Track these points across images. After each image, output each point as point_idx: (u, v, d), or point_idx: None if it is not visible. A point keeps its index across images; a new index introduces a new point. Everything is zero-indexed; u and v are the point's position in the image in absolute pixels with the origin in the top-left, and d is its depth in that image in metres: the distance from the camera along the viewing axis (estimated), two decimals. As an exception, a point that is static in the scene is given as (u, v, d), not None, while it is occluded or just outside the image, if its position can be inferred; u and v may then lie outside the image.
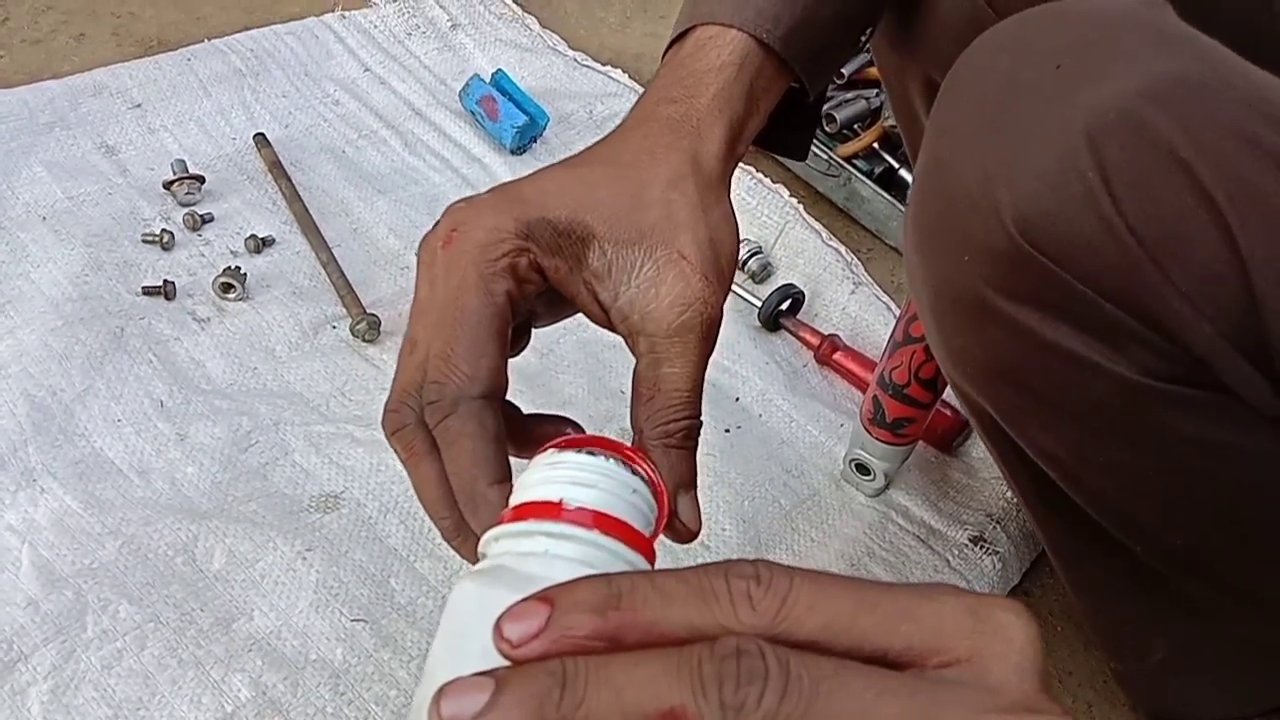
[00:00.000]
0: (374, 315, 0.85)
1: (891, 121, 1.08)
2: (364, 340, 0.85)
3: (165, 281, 0.85)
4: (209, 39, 1.07)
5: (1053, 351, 0.46)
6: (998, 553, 0.80)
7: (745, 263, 0.99)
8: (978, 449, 0.88)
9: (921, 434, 0.80)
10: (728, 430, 0.85)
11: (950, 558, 0.80)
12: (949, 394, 0.90)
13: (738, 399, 0.88)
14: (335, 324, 0.86)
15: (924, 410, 0.77)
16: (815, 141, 1.10)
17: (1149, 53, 0.44)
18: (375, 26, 1.13)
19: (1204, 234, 0.41)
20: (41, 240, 0.86)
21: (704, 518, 0.77)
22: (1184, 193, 0.41)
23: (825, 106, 1.11)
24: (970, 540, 0.81)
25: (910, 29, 0.66)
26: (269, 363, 0.82)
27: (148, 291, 0.84)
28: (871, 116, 1.11)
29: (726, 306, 0.95)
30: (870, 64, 1.15)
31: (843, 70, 1.13)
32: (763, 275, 1.00)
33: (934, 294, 0.50)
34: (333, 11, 1.14)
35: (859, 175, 1.07)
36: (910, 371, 0.74)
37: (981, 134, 0.46)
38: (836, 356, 0.92)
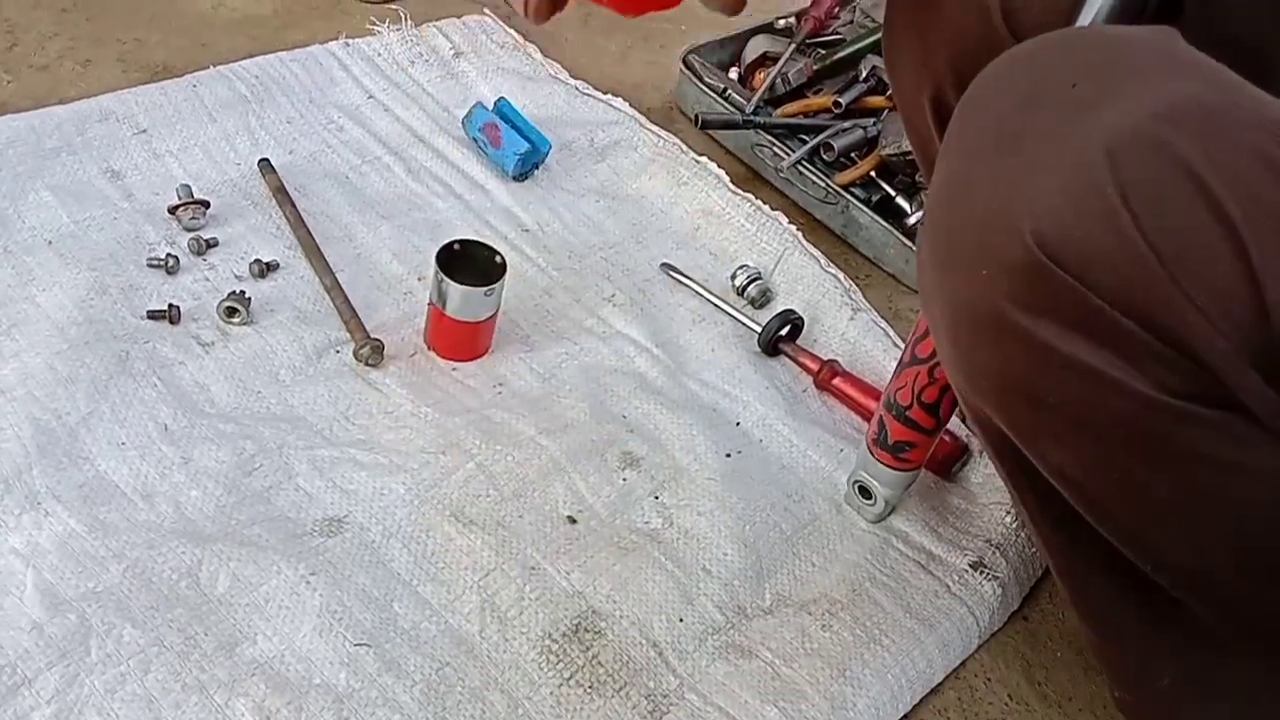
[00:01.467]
0: (377, 340, 0.86)
1: (888, 150, 1.10)
2: (367, 364, 0.86)
3: (170, 306, 0.85)
4: (214, 65, 1.08)
5: (1069, 366, 0.47)
6: (997, 578, 0.81)
7: (744, 289, 1.00)
8: (976, 474, 0.89)
9: (925, 458, 0.80)
10: (729, 455, 0.85)
11: (950, 583, 0.80)
12: (953, 424, 0.91)
13: (738, 424, 0.89)
14: (339, 348, 0.86)
15: (926, 436, 0.77)
16: (813, 169, 1.11)
17: (1163, 75, 0.45)
18: (379, 54, 1.15)
19: (1219, 250, 0.42)
20: (47, 264, 0.86)
21: (705, 542, 0.78)
22: (1200, 210, 0.42)
23: (823, 135, 1.13)
24: (970, 566, 0.81)
25: (926, 47, 0.67)
26: (273, 387, 0.82)
27: (152, 315, 0.85)
28: (869, 145, 1.13)
29: (726, 333, 0.97)
30: (868, 93, 1.17)
31: (840, 100, 1.15)
32: (762, 301, 1.01)
33: (950, 310, 0.51)
34: (337, 39, 1.15)
35: (856, 203, 1.09)
36: (913, 393, 0.75)
37: (999, 151, 0.47)
38: (836, 382, 0.93)
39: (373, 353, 0.85)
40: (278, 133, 1.04)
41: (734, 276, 1.01)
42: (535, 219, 1.03)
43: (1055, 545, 0.63)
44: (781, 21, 1.25)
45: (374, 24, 1.18)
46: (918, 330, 0.75)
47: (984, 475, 0.89)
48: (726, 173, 1.10)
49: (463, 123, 1.08)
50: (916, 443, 0.77)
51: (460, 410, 0.84)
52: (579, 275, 0.99)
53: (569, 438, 0.83)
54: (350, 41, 1.15)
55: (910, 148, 1.06)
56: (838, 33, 1.25)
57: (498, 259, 0.88)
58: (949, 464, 0.88)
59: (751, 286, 1.00)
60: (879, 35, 1.19)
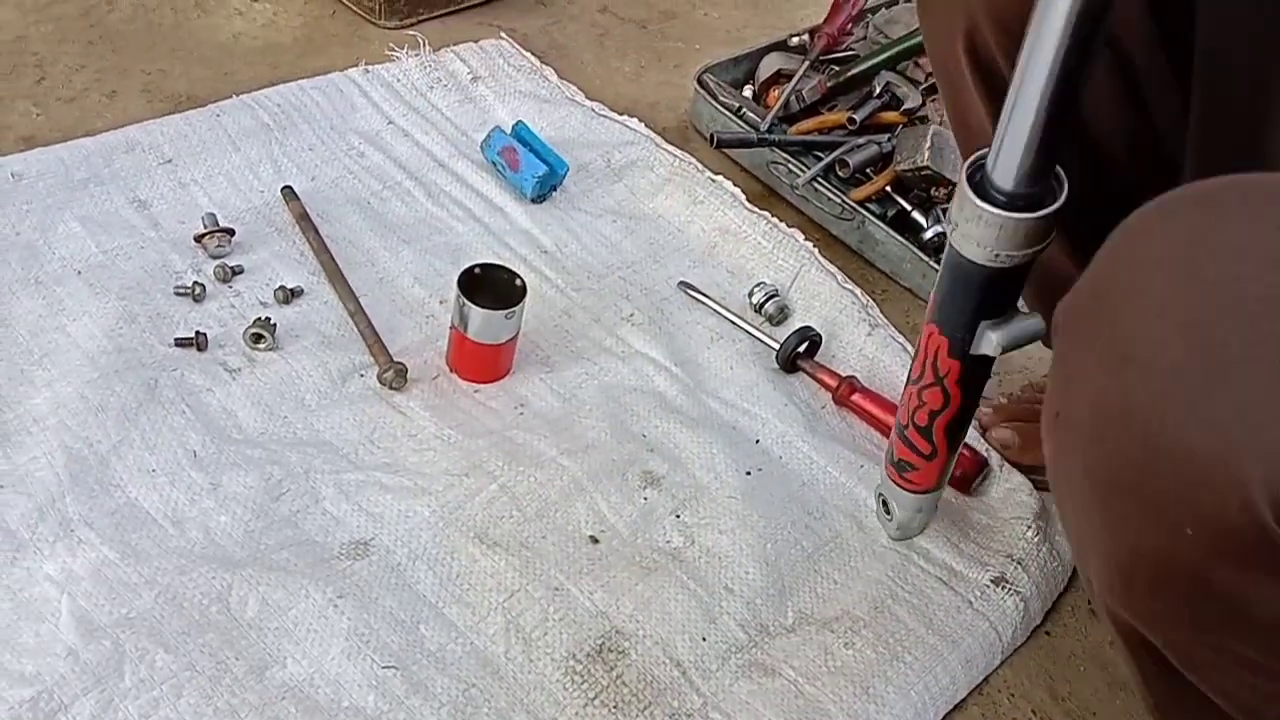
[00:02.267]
0: (401, 364, 0.87)
1: (903, 165, 1.10)
2: (391, 388, 0.87)
3: (197, 333, 0.87)
4: (237, 95, 1.10)
5: (1274, 622, 0.41)
6: (1019, 593, 0.81)
7: (762, 305, 1.01)
8: (997, 489, 0.89)
9: (931, 486, 0.78)
10: (749, 473, 0.86)
11: (973, 599, 0.80)
12: (972, 438, 0.91)
13: (758, 441, 0.89)
14: (363, 372, 0.88)
15: (923, 459, 0.76)
16: (828, 186, 1.12)
17: None
18: (398, 80, 1.16)
19: None
20: (77, 294, 0.88)
21: (727, 560, 0.79)
22: None
23: (838, 151, 1.13)
24: (992, 581, 0.81)
25: None
26: (299, 412, 0.84)
27: (180, 343, 0.86)
28: (884, 161, 1.13)
29: (744, 350, 0.97)
30: (882, 109, 1.17)
31: (854, 116, 1.15)
32: (780, 318, 1.01)
33: (1126, 555, 0.44)
34: (356, 66, 1.17)
35: (872, 218, 1.09)
36: (909, 413, 0.75)
37: (1205, 374, 0.38)
38: (855, 398, 0.93)
39: (396, 376, 0.87)
40: (300, 160, 1.06)
41: (751, 294, 1.02)
42: (554, 240, 1.04)
43: (1163, 694, 0.57)
44: (795, 39, 1.26)
45: (392, 50, 1.20)
46: (916, 350, 0.74)
47: (1004, 490, 0.89)
48: (742, 190, 1.11)
49: (481, 146, 1.09)
50: (916, 464, 0.76)
51: (483, 432, 0.85)
52: (597, 295, 1.00)
53: (590, 458, 0.84)
54: (370, 68, 1.17)
55: (923, 163, 1.07)
56: (851, 49, 1.26)
57: (518, 282, 0.89)
58: (969, 480, 0.88)
59: (769, 303, 1.01)
60: (892, 51, 1.20)
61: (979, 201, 0.59)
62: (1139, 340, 0.40)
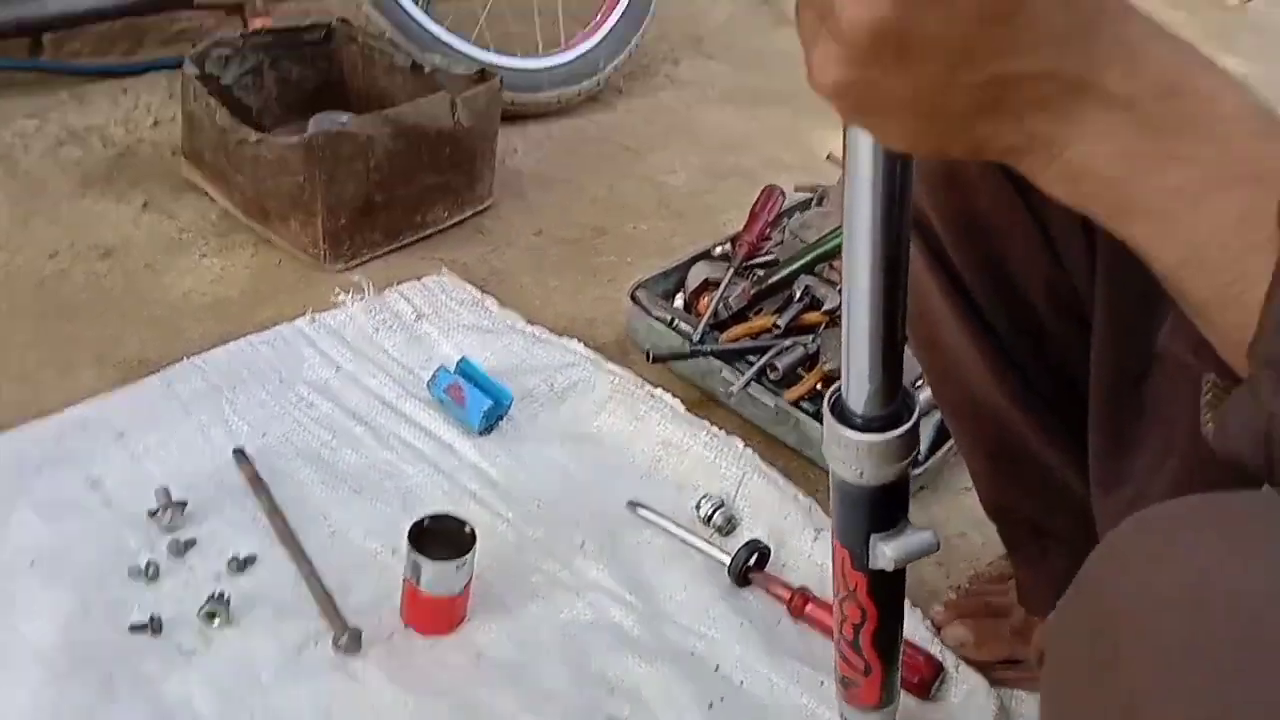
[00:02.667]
0: (355, 628, 0.88)
1: (830, 365, 1.16)
2: (347, 654, 0.87)
3: (152, 617, 0.87)
4: (187, 356, 1.13)
5: None
6: (990, 808, 0.81)
7: (710, 518, 1.04)
8: (956, 692, 0.90)
9: (876, 703, 0.77)
10: (711, 705, 0.86)
11: (943, 820, 0.80)
12: (922, 639, 0.93)
13: (717, 668, 0.90)
14: (318, 640, 0.88)
15: (861, 675, 0.75)
16: (763, 388, 1.17)
17: None
18: (344, 326, 1.21)
19: None
20: (29, 588, 0.88)
21: (695, 809, 0.78)
22: None
23: (767, 355, 1.19)
24: (961, 798, 0.81)
25: None
26: (255, 694, 0.84)
27: (135, 629, 0.87)
28: (811, 360, 1.19)
29: (697, 567, 0.99)
30: (804, 311, 1.24)
31: (779, 321, 1.22)
32: (728, 528, 1.04)
33: None
34: (303, 315, 1.22)
35: (807, 417, 1.14)
36: (838, 628, 0.75)
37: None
38: (809, 610, 0.95)
39: (351, 641, 0.87)
40: (250, 417, 1.09)
41: (698, 506, 1.05)
42: (502, 472, 1.07)
43: None
44: (718, 249, 1.34)
45: (338, 295, 1.25)
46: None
47: (964, 692, 0.90)
48: (681, 399, 1.16)
49: (428, 385, 1.14)
50: (856, 680, 0.76)
51: (443, 691, 0.85)
52: (548, 526, 1.02)
53: (551, 709, 0.84)
54: (316, 316, 1.22)
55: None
56: (770, 253, 1.33)
57: (467, 529, 0.91)
58: (927, 685, 0.89)
59: (716, 515, 1.04)
60: (808, 256, 1.28)
61: (836, 425, 0.62)
62: (1148, 699, 0.35)
